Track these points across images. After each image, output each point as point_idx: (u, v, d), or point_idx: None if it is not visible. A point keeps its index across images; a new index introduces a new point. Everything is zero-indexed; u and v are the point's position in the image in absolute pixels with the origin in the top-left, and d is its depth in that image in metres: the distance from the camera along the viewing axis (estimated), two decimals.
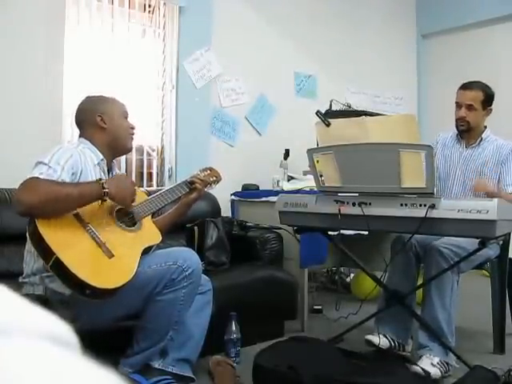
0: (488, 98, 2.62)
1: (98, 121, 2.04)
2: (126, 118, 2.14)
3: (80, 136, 2.09)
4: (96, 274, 1.76)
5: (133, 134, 2.15)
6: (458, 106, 2.64)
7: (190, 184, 2.22)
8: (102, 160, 2.03)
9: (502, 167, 2.60)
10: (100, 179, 1.85)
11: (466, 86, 2.63)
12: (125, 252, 1.88)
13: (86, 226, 1.84)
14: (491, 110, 2.65)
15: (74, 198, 1.77)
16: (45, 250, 1.72)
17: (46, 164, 1.80)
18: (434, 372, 2.21)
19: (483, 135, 2.67)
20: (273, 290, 2.74)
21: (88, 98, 2.15)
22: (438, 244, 2.36)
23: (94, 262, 1.81)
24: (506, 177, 2.58)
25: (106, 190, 1.81)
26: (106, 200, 1.85)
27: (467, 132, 2.66)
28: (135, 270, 1.84)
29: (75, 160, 1.89)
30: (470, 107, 2.60)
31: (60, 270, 1.70)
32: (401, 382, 1.98)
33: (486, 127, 2.70)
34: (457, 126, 2.68)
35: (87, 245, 1.81)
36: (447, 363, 2.27)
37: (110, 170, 2.12)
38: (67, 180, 1.82)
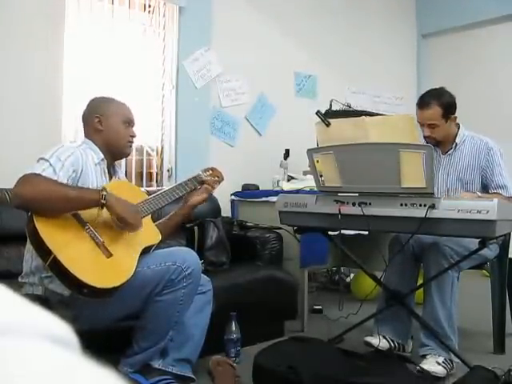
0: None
1: (95, 122, 2.03)
2: (129, 124, 2.10)
3: (84, 135, 2.09)
4: (94, 273, 1.76)
5: (131, 142, 2.12)
6: (421, 124, 2.51)
7: (200, 184, 2.21)
8: (102, 160, 2.03)
9: (486, 171, 2.50)
10: (103, 189, 1.82)
11: (422, 105, 2.48)
12: (123, 252, 1.88)
13: (84, 226, 1.84)
14: (456, 117, 2.51)
15: (71, 201, 1.77)
16: (43, 249, 1.72)
17: (47, 160, 1.81)
18: (440, 370, 2.21)
19: (457, 140, 2.56)
20: (273, 290, 2.73)
21: (94, 98, 2.14)
22: (438, 242, 2.35)
23: (91, 262, 1.81)
24: (493, 180, 2.49)
25: (103, 202, 1.79)
26: (102, 208, 1.82)
27: (438, 145, 2.57)
28: (134, 270, 1.85)
29: (76, 158, 1.90)
30: (431, 126, 2.48)
31: (58, 269, 1.70)
32: (400, 382, 1.99)
33: (458, 128, 2.58)
34: (427, 143, 2.53)
35: (85, 244, 1.81)
36: (451, 361, 2.27)
37: (112, 172, 2.12)
38: (66, 176, 1.83)
